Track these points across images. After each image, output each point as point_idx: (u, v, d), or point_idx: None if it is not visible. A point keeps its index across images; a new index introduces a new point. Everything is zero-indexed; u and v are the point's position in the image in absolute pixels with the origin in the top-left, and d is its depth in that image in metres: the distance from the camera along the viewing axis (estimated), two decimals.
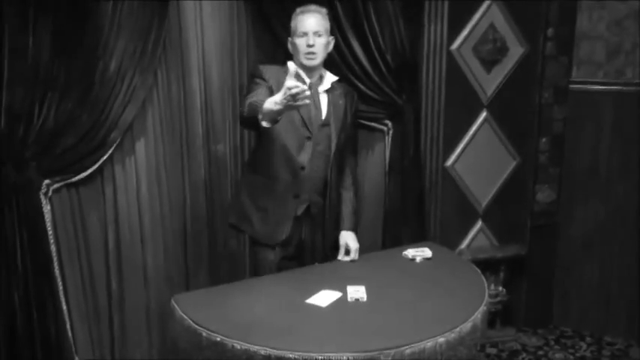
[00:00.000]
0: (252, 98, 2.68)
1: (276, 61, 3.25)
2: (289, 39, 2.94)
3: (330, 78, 3.01)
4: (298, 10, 2.91)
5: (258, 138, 3.05)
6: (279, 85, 2.66)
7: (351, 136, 3.19)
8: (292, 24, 2.90)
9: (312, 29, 2.86)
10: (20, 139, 2.73)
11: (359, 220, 3.35)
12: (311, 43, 2.85)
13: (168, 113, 3.25)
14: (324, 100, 2.97)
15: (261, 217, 2.97)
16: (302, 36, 2.86)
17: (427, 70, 3.70)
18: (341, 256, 3.05)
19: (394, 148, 3.61)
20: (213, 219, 3.44)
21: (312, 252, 3.09)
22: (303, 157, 2.91)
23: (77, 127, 2.85)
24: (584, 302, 4.22)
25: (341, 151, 3.04)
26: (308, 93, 2.40)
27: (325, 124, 2.95)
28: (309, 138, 2.91)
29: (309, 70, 2.91)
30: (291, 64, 2.61)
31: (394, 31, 3.41)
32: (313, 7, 2.92)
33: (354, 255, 3.03)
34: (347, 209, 3.15)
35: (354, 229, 3.15)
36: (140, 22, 2.91)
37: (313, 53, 2.86)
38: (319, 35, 2.87)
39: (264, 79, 2.84)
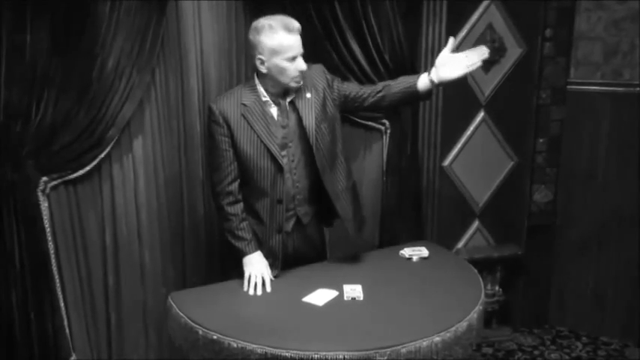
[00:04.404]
0: (234, 225, 2.75)
1: None
2: (260, 57, 2.62)
3: None
4: (279, 24, 2.57)
5: None
6: (238, 122, 2.65)
7: (336, 131, 2.88)
8: (272, 42, 2.57)
9: (300, 51, 2.62)
10: (18, 137, 2.73)
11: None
12: (304, 67, 2.63)
13: (166, 111, 3.25)
14: (290, 109, 2.75)
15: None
16: (291, 60, 2.60)
17: (425, 70, 3.69)
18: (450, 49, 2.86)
19: (392, 147, 3.62)
20: (210, 217, 3.44)
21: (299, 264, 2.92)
22: (281, 192, 2.75)
23: (74, 124, 2.85)
24: (580, 302, 4.23)
25: (326, 142, 2.78)
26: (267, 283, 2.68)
27: (294, 137, 2.76)
28: (281, 171, 2.72)
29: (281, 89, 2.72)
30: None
31: (392, 31, 3.41)
32: (296, 23, 2.61)
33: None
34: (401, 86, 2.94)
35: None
36: (138, 20, 2.90)
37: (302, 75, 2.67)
38: (302, 52, 2.64)
39: (219, 125, 2.68)
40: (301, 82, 2.71)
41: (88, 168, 2.98)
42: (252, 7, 3.33)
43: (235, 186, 2.75)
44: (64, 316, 3.01)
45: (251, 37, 2.66)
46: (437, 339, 2.31)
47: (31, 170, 2.80)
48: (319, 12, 3.26)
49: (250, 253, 2.75)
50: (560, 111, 4.00)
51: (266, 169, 2.72)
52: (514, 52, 3.88)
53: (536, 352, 4.03)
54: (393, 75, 3.46)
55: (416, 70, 3.63)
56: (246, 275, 2.70)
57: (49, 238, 2.92)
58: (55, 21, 2.71)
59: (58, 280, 2.98)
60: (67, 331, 3.02)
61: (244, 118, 2.68)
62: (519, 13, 3.82)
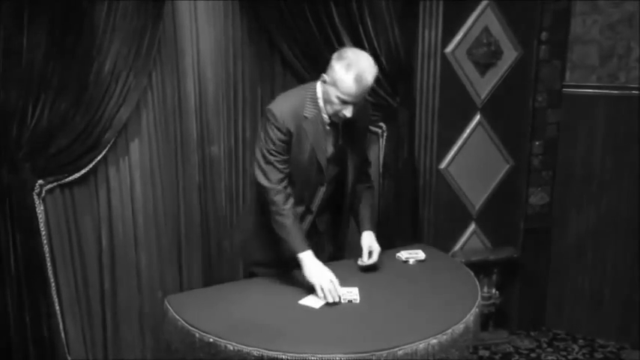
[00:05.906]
0: (283, 215, 2.64)
1: (272, 67, 3.28)
2: (325, 77, 2.61)
3: None
4: (355, 69, 2.53)
5: None
6: (297, 132, 2.64)
7: (365, 146, 3.05)
8: (338, 76, 2.54)
9: (357, 101, 2.60)
10: (14, 140, 2.73)
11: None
12: (348, 115, 2.61)
13: (163, 114, 3.25)
14: (343, 129, 2.77)
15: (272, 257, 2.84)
16: (342, 102, 2.58)
17: (421, 73, 3.71)
18: (365, 258, 2.83)
19: (388, 150, 3.63)
20: (206, 220, 3.44)
21: None
22: (314, 203, 2.82)
23: (71, 127, 2.85)
24: (576, 305, 4.24)
25: (358, 169, 2.88)
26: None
27: (342, 158, 2.81)
28: (322, 184, 2.79)
29: None
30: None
31: (389, 34, 3.42)
32: (370, 78, 2.56)
33: (376, 257, 2.84)
34: (366, 209, 2.96)
35: (374, 229, 2.97)
36: (135, 23, 2.91)
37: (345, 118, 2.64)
38: (356, 103, 2.62)
39: (282, 132, 2.63)
40: (341, 120, 2.69)
41: (84, 171, 2.99)
42: (249, 9, 3.34)
43: (286, 183, 2.71)
44: (60, 319, 3.01)
45: (333, 55, 2.64)
46: (433, 341, 2.31)
47: (27, 173, 2.80)
48: (315, 14, 3.27)
49: (305, 250, 2.66)
50: (556, 114, 4.01)
51: (310, 181, 2.77)
52: (510, 55, 3.89)
53: (532, 355, 4.03)
54: (390, 77, 3.47)
55: (412, 73, 3.64)
56: (317, 287, 2.59)
57: (45, 241, 2.92)
58: (52, 24, 2.71)
59: (53, 283, 2.97)
60: (63, 334, 3.02)
61: (304, 129, 2.68)
62: (515, 16, 3.83)
